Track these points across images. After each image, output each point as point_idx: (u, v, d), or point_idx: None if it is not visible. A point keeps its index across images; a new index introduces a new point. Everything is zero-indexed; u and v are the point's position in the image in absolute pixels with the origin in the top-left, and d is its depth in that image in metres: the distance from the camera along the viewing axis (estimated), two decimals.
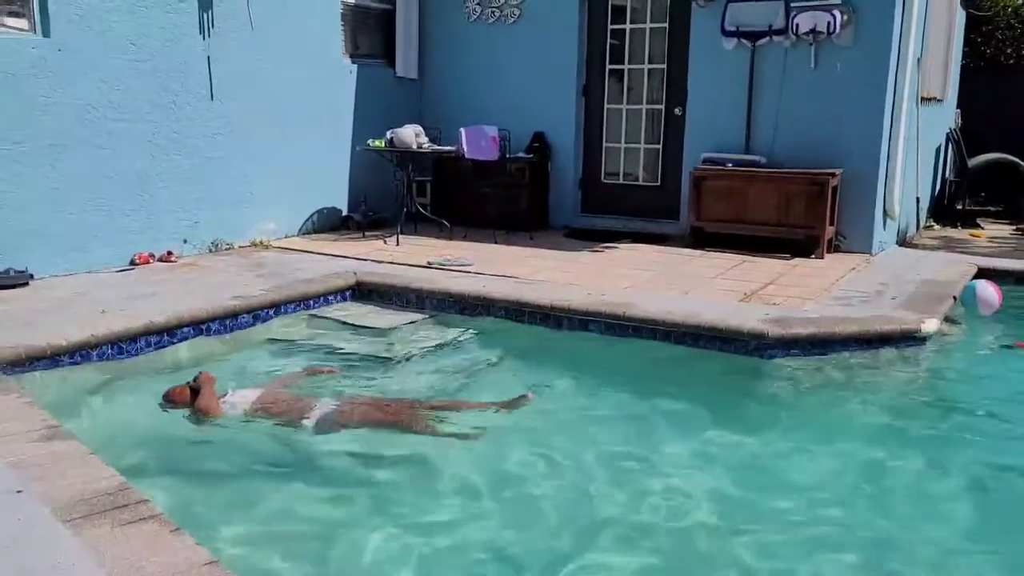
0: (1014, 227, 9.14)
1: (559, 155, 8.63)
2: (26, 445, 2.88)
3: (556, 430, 4.06)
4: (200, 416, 3.78)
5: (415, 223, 8.10)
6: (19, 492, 2.53)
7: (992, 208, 9.99)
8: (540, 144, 8.58)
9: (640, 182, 8.51)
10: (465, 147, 7.89)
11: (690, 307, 5.22)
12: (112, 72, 6.17)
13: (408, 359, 4.90)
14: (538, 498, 3.37)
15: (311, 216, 8.07)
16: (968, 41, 11.02)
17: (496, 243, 7.59)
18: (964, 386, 4.82)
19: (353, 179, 8.43)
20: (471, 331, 5.34)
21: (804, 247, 7.08)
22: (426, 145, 7.81)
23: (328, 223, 8.22)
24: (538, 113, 8.57)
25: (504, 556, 2.94)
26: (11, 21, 5.67)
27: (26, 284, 5.57)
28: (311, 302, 5.71)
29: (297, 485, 3.32)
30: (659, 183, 8.35)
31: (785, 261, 6.89)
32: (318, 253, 7.03)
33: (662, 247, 7.52)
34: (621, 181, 8.59)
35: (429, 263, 6.56)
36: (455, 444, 3.77)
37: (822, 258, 6.99)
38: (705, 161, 7.56)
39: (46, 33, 5.78)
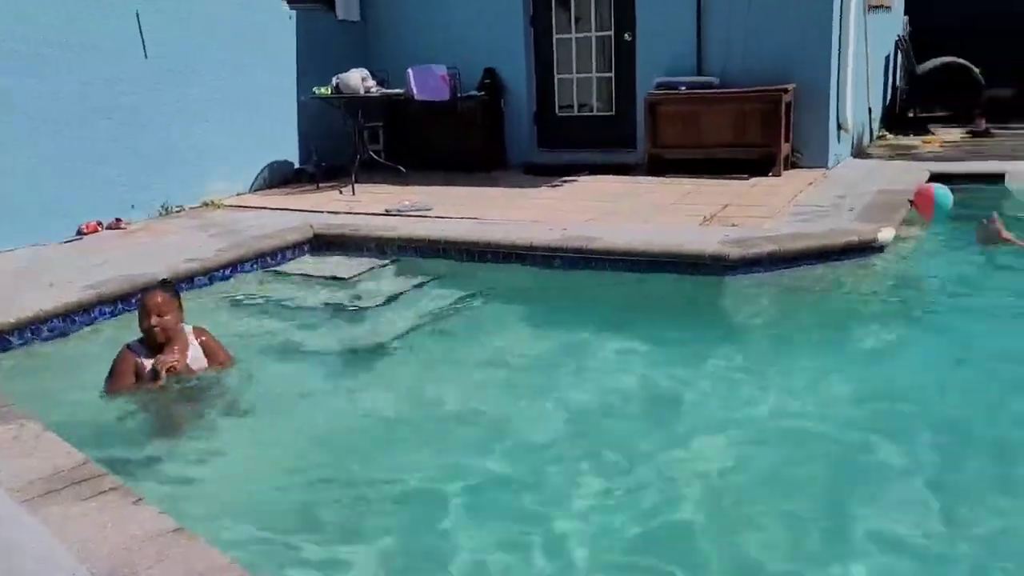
0: (965, 131, 9.20)
1: (511, 90, 8.47)
2: None
3: (533, 368, 4.06)
4: None
5: (370, 171, 7.93)
6: None
7: (942, 113, 10.02)
8: (491, 80, 8.40)
9: (595, 112, 8.39)
10: (414, 88, 7.71)
11: (652, 235, 5.20)
12: (39, 31, 5.86)
13: (372, 307, 4.83)
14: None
15: (261, 171, 7.87)
16: None
17: (455, 185, 7.47)
18: (924, 286, 4.90)
19: (302, 130, 8.22)
20: (435, 275, 5.28)
21: (762, 166, 7.06)
22: (374, 89, 7.61)
23: (280, 177, 8.03)
24: (487, 48, 8.36)
25: None
26: None
27: None
28: (268, 258, 5.60)
29: None
30: (614, 112, 8.25)
31: (744, 181, 6.88)
32: (272, 208, 6.87)
33: (622, 177, 7.46)
34: (576, 113, 8.48)
35: (388, 210, 6.45)
36: None
37: (779, 175, 6.99)
38: (658, 86, 7.46)
39: None
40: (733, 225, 5.43)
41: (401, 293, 5.04)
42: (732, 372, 3.86)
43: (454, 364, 4.13)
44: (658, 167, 7.39)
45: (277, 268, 5.56)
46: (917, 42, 10.14)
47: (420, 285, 5.16)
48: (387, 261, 5.54)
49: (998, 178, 6.56)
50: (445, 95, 7.85)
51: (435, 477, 3.04)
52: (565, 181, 7.41)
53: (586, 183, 7.33)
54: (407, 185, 7.55)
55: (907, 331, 4.28)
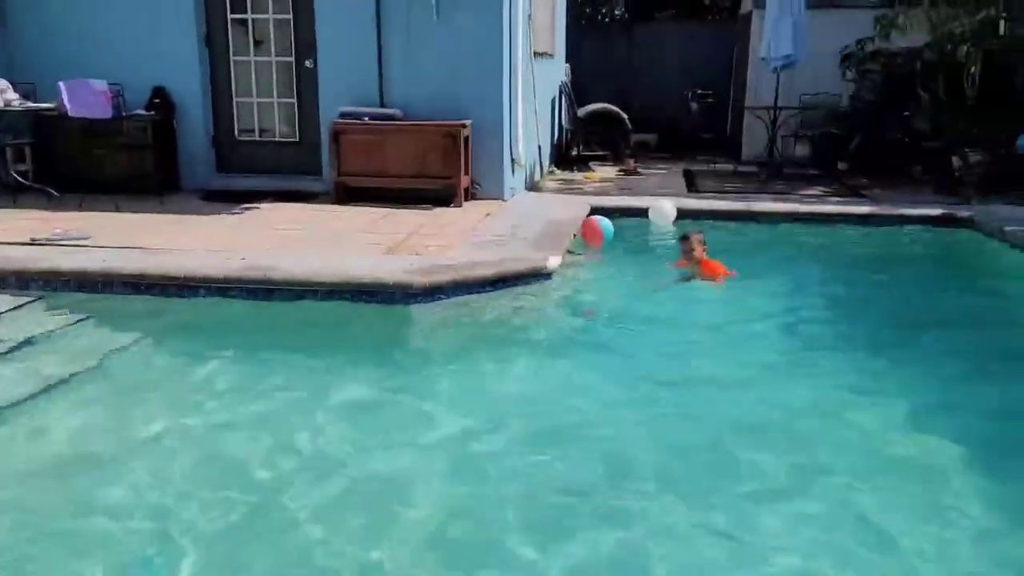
0: (618, 169, 10.41)
1: (185, 111, 7.94)
2: None
3: (204, 407, 3.77)
4: None
5: (15, 194, 6.94)
6: None
7: (601, 152, 11.22)
8: (162, 100, 7.81)
9: (279, 138, 8.16)
10: (68, 104, 6.91)
11: (336, 263, 5.15)
12: None
13: (6, 353, 4.16)
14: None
15: None
16: (571, 2, 12.15)
17: (120, 211, 6.80)
18: (584, 308, 5.38)
19: None
20: (91, 313, 4.71)
21: (444, 197, 7.35)
22: (16, 102, 6.72)
23: None
24: (156, 66, 7.77)
25: None
26: None
27: None
28: None
29: None
30: (298, 139, 8.09)
31: (427, 211, 7.10)
32: None
33: (307, 204, 7.33)
34: (258, 138, 8.17)
35: (34, 239, 5.67)
36: None
37: (460, 206, 7.32)
38: (343, 115, 7.46)
39: None
40: (417, 254, 5.56)
41: (46, 335, 4.40)
42: (408, 396, 3.94)
43: (109, 415, 3.69)
44: (344, 196, 7.37)
45: None
46: (579, 88, 11.28)
47: (71, 325, 4.54)
48: (31, 298, 4.83)
49: (644, 211, 7.48)
50: (107, 113, 7.13)
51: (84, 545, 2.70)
52: (247, 208, 7.09)
53: (269, 210, 7.08)
54: (61, 211, 6.70)
55: (567, 350, 4.68)
